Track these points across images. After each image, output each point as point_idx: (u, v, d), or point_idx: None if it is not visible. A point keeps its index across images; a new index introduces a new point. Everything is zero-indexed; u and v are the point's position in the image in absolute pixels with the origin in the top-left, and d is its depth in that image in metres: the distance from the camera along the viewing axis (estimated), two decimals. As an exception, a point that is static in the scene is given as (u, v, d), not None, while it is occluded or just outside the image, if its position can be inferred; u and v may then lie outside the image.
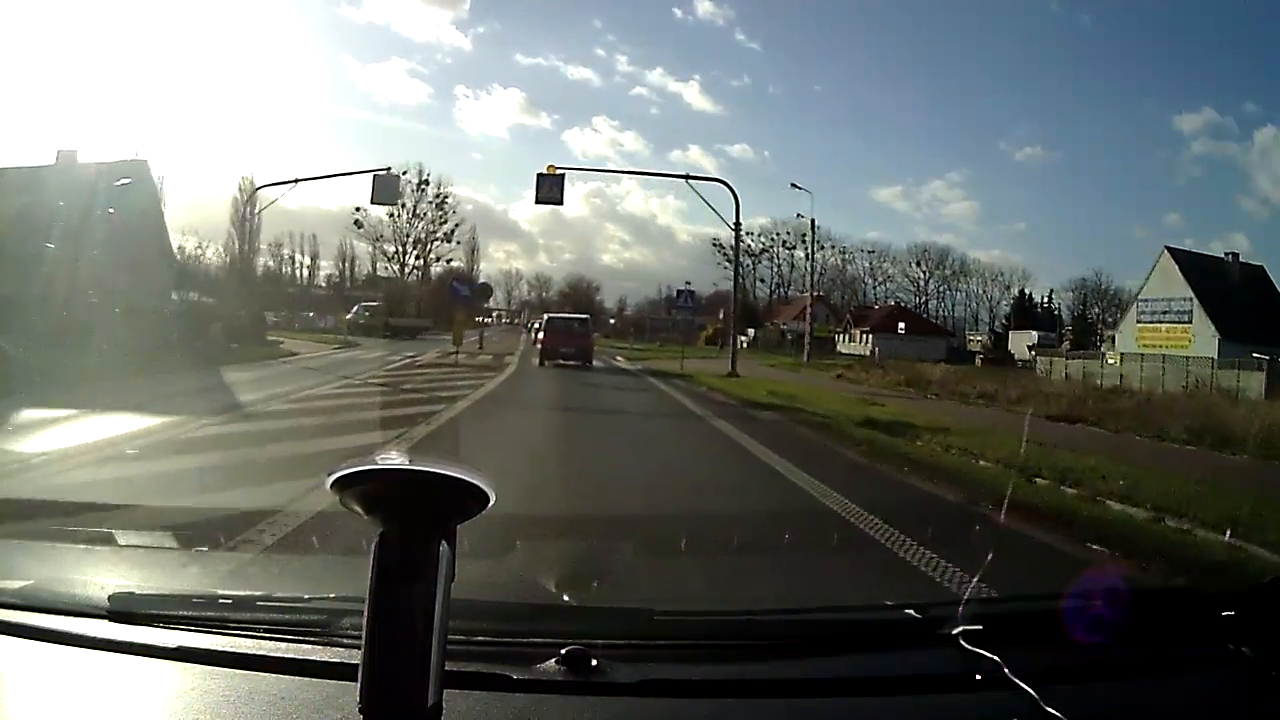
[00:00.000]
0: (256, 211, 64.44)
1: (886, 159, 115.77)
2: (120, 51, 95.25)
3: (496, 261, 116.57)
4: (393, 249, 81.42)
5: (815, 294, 73.29)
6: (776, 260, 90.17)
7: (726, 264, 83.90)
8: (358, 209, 78.37)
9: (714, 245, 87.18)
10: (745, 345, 73.16)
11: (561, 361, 30.46)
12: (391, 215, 78.65)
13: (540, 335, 33.10)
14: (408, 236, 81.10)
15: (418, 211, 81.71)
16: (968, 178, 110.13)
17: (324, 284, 77.03)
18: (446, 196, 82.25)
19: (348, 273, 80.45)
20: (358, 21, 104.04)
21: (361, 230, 78.97)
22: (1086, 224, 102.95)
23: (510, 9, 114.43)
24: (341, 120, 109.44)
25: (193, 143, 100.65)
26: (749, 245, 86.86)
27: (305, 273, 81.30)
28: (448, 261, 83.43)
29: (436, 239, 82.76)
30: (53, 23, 78.10)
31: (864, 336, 71.88)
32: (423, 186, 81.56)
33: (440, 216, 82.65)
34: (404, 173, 76.36)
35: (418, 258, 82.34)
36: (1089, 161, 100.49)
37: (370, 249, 79.69)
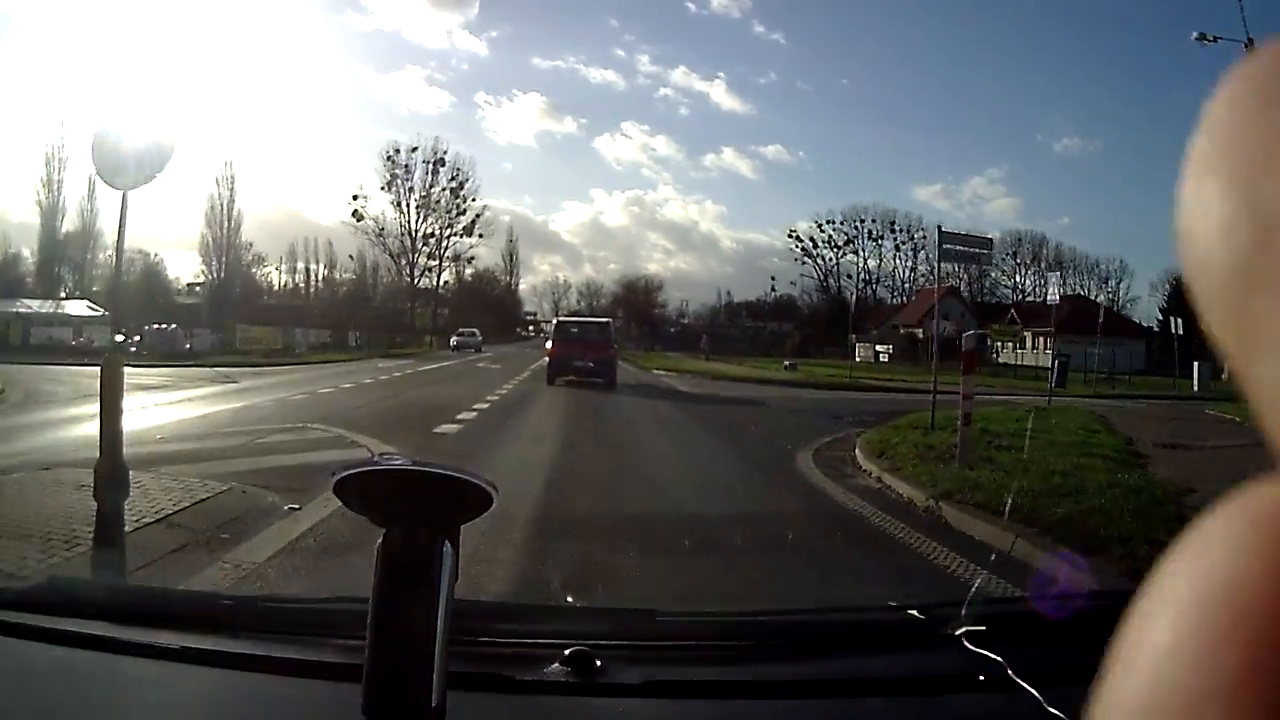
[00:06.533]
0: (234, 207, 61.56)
1: (926, 156, 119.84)
2: (136, 76, 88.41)
3: (541, 274, 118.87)
4: (399, 246, 71.80)
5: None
6: (862, 254, 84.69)
7: (805, 260, 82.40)
8: (355, 196, 71.47)
9: (790, 236, 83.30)
10: (881, 357, 65.63)
11: (575, 379, 24.39)
12: (396, 205, 70.65)
13: (549, 345, 27.37)
14: (416, 231, 71.35)
15: (430, 200, 71.83)
16: (1007, 173, 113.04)
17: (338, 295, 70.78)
18: (465, 181, 72.72)
19: (369, 282, 72.67)
20: (364, 30, 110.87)
21: (360, 224, 68.11)
22: (1130, 216, 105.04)
23: (521, 10, 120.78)
24: (363, 135, 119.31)
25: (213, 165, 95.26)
26: (830, 236, 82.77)
27: (318, 285, 74.77)
28: (469, 260, 76.23)
29: (455, 234, 73.09)
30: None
31: (1039, 341, 59.56)
32: (437, 167, 71.91)
33: (458, 205, 72.64)
34: (414, 149, 71.80)
35: (430, 257, 72.45)
36: (1129, 151, 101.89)
37: (372, 249, 69.23)
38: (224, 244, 64.15)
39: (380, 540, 1.12)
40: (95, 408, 14.92)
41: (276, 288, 72.51)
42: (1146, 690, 0.17)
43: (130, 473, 8.16)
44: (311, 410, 16.65)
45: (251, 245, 68.67)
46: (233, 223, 64.48)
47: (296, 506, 7.06)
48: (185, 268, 76.17)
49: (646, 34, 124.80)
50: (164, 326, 48.01)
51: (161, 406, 16.91)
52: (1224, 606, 0.17)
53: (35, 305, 47.07)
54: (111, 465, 8.08)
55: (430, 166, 71.63)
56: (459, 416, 15.34)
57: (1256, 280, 0.18)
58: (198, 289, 63.44)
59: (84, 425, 12.72)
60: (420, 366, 34.39)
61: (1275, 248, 0.18)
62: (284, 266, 72.36)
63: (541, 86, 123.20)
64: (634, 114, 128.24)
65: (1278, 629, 0.16)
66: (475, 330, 54.11)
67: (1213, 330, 0.19)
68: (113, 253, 56.55)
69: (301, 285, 73.19)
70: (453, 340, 53.42)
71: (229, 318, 53.50)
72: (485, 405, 17.77)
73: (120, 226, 10.05)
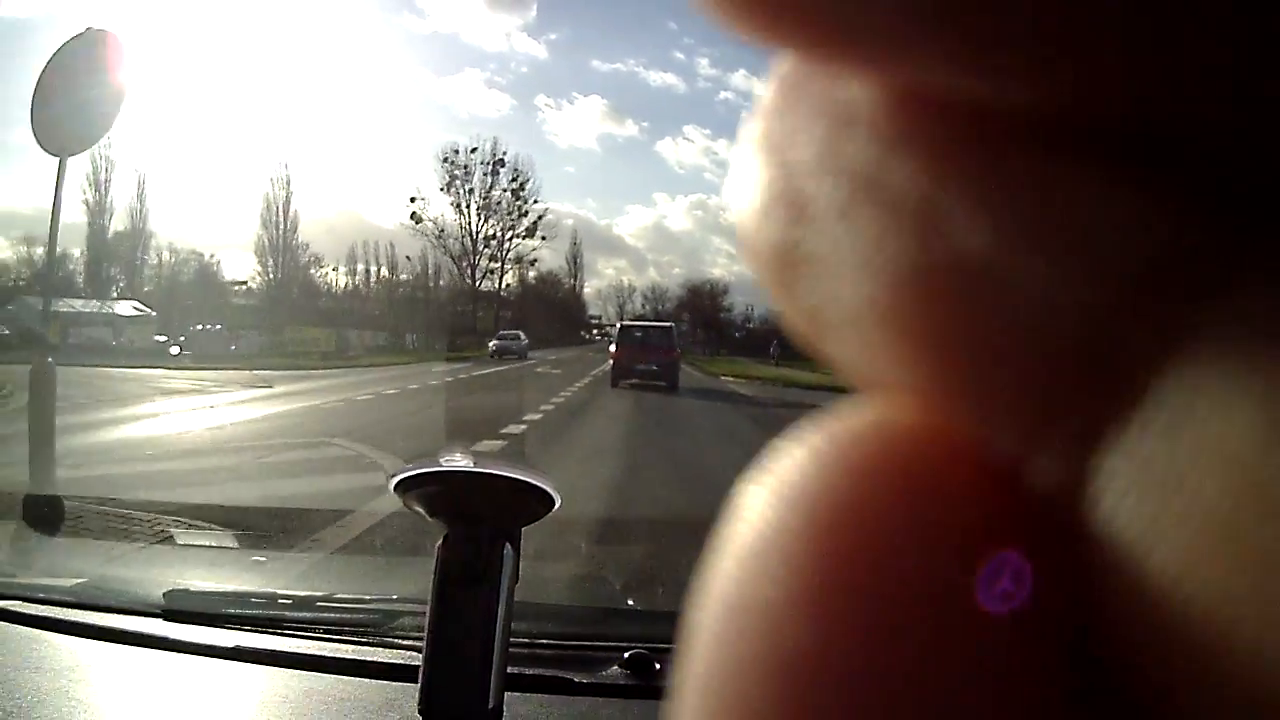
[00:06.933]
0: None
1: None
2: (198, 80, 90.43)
3: (606, 277, 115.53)
4: (460, 248, 69.72)
5: None
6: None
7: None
8: (413, 199, 68.76)
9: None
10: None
11: (639, 381, 25.05)
12: (456, 206, 68.86)
13: (612, 349, 28.36)
14: (477, 233, 69.43)
15: (490, 201, 69.68)
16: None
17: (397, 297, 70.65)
18: (526, 182, 70.19)
19: (433, 284, 71.15)
20: (422, 32, 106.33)
21: (419, 226, 66.59)
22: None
23: (579, 13, 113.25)
24: (424, 138, 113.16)
25: (270, 166, 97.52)
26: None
27: (377, 287, 73.49)
28: (531, 262, 74.49)
29: (517, 236, 70.96)
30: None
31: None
32: (497, 168, 69.65)
33: (519, 207, 70.43)
34: (473, 150, 70.00)
35: (492, 259, 70.49)
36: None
37: (433, 251, 67.83)
38: (280, 245, 63.45)
39: (440, 542, 1.14)
40: (104, 414, 13.68)
41: (336, 289, 71.77)
42: (733, 594, 0.18)
43: (68, 505, 6.55)
44: (342, 421, 15.28)
45: (308, 246, 68.08)
46: (289, 223, 63.99)
47: (263, 559, 5.61)
48: (243, 269, 75.87)
49: (705, 37, 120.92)
50: (208, 327, 47.27)
51: (175, 415, 15.73)
52: (805, 518, 0.17)
53: (79, 305, 46.81)
54: (39, 500, 6.45)
55: (490, 167, 70.32)
56: (506, 430, 13.51)
57: (798, 257, 0.19)
58: (246, 287, 63.82)
59: (79, 436, 11.26)
60: (476, 371, 33.21)
61: (808, 223, 0.19)
62: (344, 268, 71.79)
63: (602, 89, 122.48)
64: (695, 117, 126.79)
65: (855, 539, 0.17)
66: (519, 333, 48.70)
67: (778, 308, 0.20)
68: (167, 252, 56.18)
69: (362, 287, 72.48)
70: (491, 345, 46.41)
71: (284, 319, 53.34)
72: (539, 415, 16.19)
73: (56, 195, 8.47)
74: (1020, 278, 0.16)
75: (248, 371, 29.22)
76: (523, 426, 14.17)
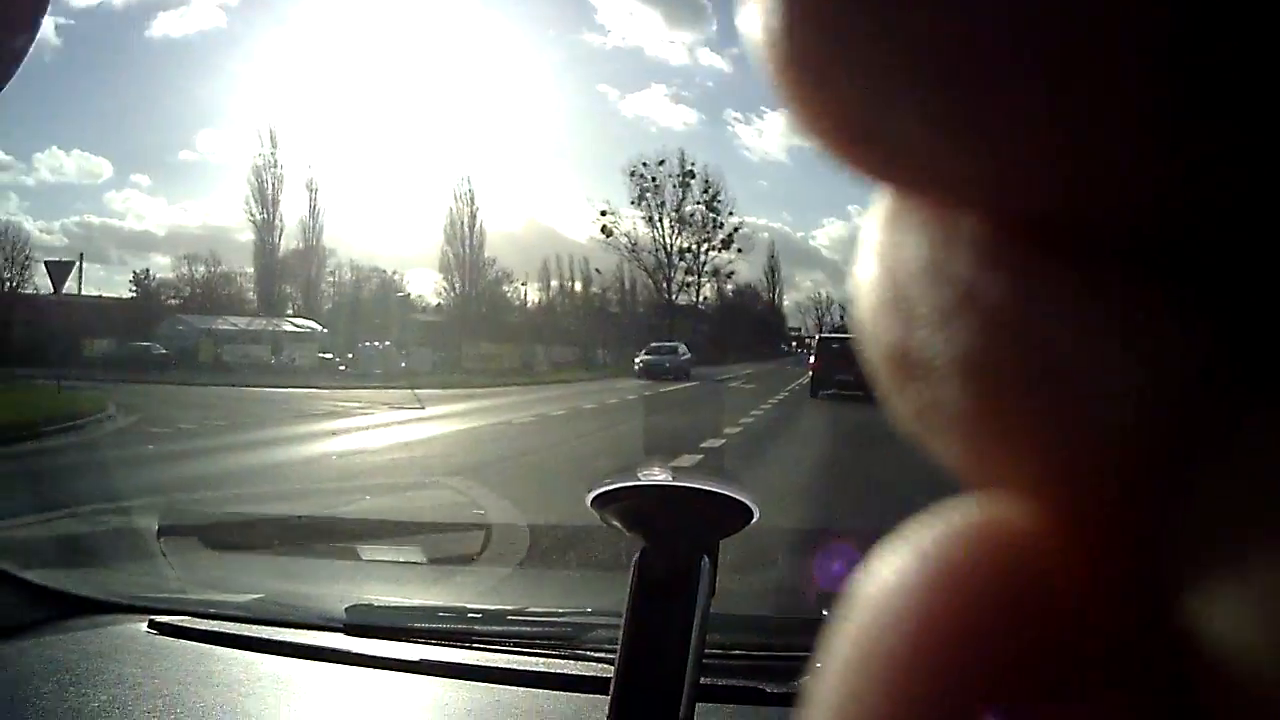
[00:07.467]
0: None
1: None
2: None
3: (804, 290, 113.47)
4: (654, 262, 68.39)
5: None
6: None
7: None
8: (603, 213, 67.62)
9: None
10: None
11: (839, 392, 24.52)
12: (648, 220, 67.60)
13: (811, 360, 29.06)
14: (671, 246, 68.26)
15: (682, 213, 68.36)
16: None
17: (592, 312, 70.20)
18: (719, 193, 68.55)
19: (629, 300, 71.10)
20: (605, 48, 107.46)
21: (609, 240, 65.12)
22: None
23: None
24: (615, 152, 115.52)
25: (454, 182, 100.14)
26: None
27: (570, 301, 73.53)
28: (728, 276, 72.10)
29: (712, 247, 69.24)
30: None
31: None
32: (687, 180, 68.24)
33: (714, 219, 68.92)
34: (660, 163, 68.90)
35: (688, 272, 69.16)
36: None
37: (626, 264, 66.28)
38: (465, 260, 63.55)
39: (638, 555, 1.14)
40: (207, 442, 11.55)
41: (529, 305, 71.99)
42: (862, 638, 0.20)
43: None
44: (483, 450, 13.36)
45: (495, 261, 67.91)
46: (474, 238, 64.03)
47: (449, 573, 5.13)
48: (430, 286, 77.02)
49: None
50: (375, 345, 46.55)
51: (291, 442, 14.07)
52: (922, 591, 0.19)
53: (242, 323, 47.87)
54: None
55: (680, 179, 68.84)
56: (676, 464, 10.66)
57: (907, 361, 0.20)
58: (425, 302, 64.20)
59: (144, 469, 9.60)
60: (663, 387, 31.47)
61: (914, 330, 0.20)
62: (536, 284, 71.85)
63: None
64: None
65: (939, 662, 0.19)
66: (677, 345, 40.77)
67: (892, 407, 0.21)
68: (348, 270, 55.48)
69: (556, 302, 72.63)
70: (637, 362, 37.85)
71: (466, 335, 53.07)
72: (719, 442, 13.58)
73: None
74: (1097, 387, 0.17)
75: (407, 391, 27.78)
76: (699, 456, 11.71)
